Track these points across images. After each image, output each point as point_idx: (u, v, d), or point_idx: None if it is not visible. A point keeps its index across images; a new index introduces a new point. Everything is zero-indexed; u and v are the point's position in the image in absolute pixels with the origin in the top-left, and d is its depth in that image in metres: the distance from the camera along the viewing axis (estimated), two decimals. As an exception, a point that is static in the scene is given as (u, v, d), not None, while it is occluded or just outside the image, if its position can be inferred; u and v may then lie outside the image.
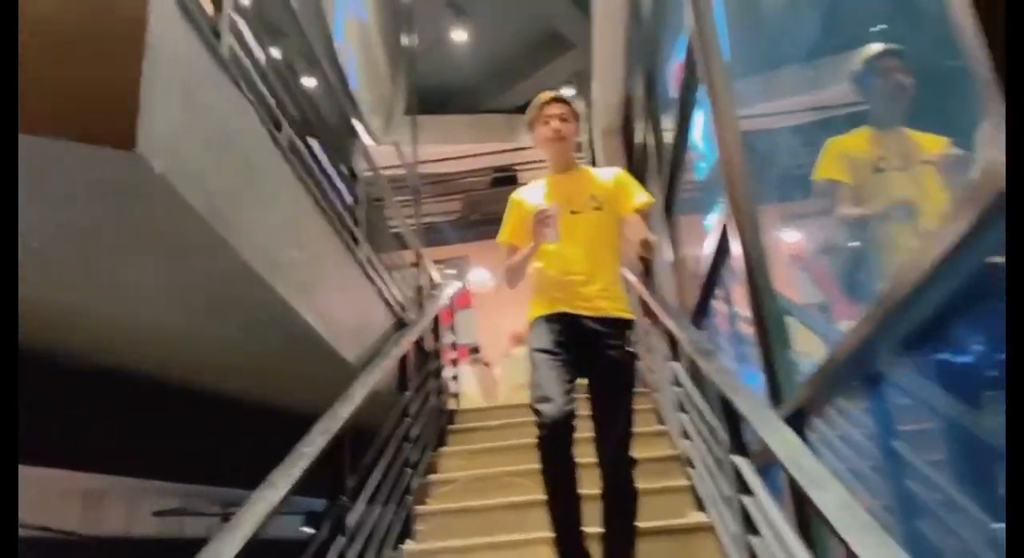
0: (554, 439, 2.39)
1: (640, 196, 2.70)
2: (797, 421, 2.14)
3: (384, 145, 5.14)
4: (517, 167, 9.28)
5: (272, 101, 2.63)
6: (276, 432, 4.19)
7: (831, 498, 1.35)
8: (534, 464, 3.39)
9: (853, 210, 2.37)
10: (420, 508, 3.35)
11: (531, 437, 3.79)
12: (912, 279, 1.38)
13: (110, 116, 1.49)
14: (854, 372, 1.92)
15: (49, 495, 5.68)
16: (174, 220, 1.80)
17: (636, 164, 6.12)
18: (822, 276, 3.20)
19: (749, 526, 2.05)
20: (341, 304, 3.21)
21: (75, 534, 6.63)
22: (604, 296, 2.57)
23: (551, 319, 2.56)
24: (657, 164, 5.17)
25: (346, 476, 2.41)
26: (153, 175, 1.56)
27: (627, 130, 6.88)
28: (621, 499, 2.49)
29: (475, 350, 7.08)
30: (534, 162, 9.40)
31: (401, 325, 4.08)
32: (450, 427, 4.43)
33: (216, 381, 3.37)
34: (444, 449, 4.09)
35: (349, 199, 3.64)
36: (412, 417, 3.46)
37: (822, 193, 2.46)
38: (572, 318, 2.54)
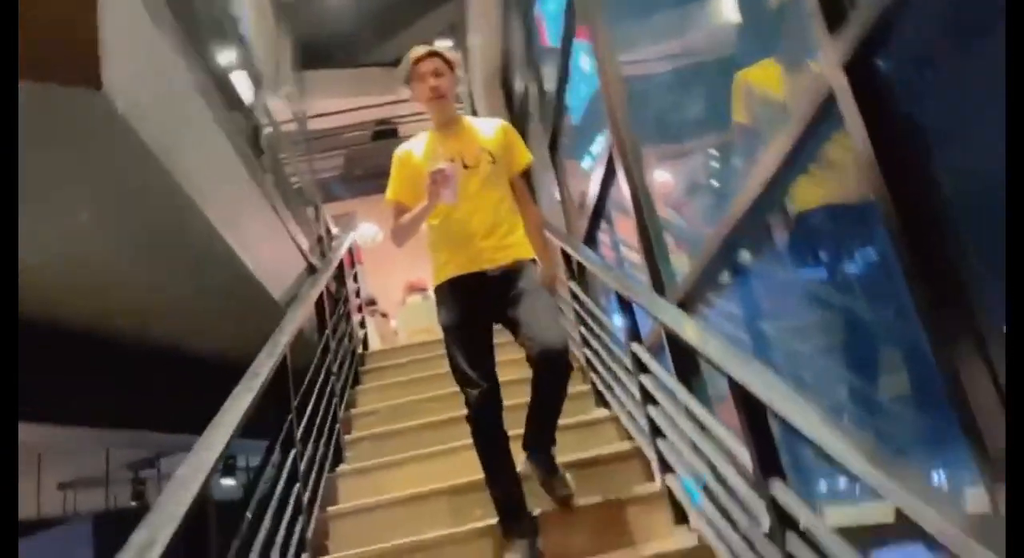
0: (482, 416, 2.45)
1: (524, 156, 2.73)
2: (686, 307, 2.57)
3: (275, 100, 5.16)
4: (397, 120, 9.35)
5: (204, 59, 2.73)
6: (201, 378, 4.32)
7: (714, 345, 1.74)
8: (443, 390, 3.75)
9: None
10: (346, 437, 3.60)
11: (437, 369, 4.13)
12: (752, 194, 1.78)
13: (77, 59, 1.61)
14: (717, 267, 2.36)
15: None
16: (128, 157, 1.94)
17: (518, 113, 6.41)
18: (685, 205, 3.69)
19: (648, 398, 2.47)
20: (264, 244, 3.38)
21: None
22: (505, 245, 2.56)
23: (456, 285, 2.54)
24: (540, 111, 5.50)
25: (292, 398, 2.62)
26: (115, 114, 1.70)
27: (506, 79, 7.14)
28: (555, 377, 2.41)
29: (372, 302, 7.25)
30: (415, 114, 9.51)
31: (312, 270, 4.26)
32: (361, 368, 4.66)
33: (145, 327, 3.45)
34: (359, 387, 4.33)
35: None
36: (333, 352, 3.69)
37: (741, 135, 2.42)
38: (476, 277, 2.52)
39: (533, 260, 2.60)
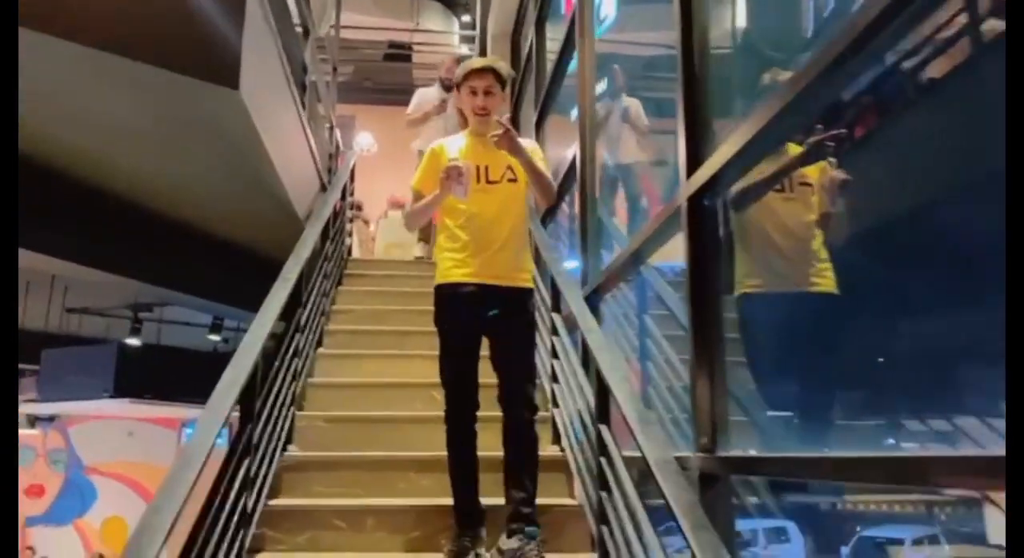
0: (459, 419, 2.69)
1: (546, 169, 2.87)
2: (594, 296, 3.53)
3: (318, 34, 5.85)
4: (413, 46, 9.97)
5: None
6: (212, 256, 5.31)
7: (594, 338, 2.72)
8: (410, 306, 4.70)
9: None
10: (328, 327, 4.56)
11: (404, 286, 5.09)
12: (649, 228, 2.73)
13: (224, 66, 2.45)
14: (625, 271, 3.32)
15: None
16: (238, 128, 2.80)
17: (520, 73, 7.06)
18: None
19: (554, 355, 3.47)
20: (294, 166, 4.25)
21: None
22: (513, 266, 2.71)
23: (459, 290, 2.67)
24: (536, 80, 6.17)
25: (302, 292, 3.57)
26: (242, 106, 2.56)
27: (516, 37, 7.76)
28: (522, 442, 2.66)
29: (358, 207, 8.08)
30: (429, 43, 10.10)
31: (323, 188, 5.12)
32: (345, 272, 5.59)
33: (188, 210, 4.38)
34: (340, 288, 5.26)
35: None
36: (329, 259, 4.62)
37: None
38: (480, 288, 2.65)
39: (532, 294, 2.80)
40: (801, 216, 2.61)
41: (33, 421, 11.79)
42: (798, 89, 1.65)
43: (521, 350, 2.73)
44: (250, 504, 2.48)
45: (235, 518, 2.30)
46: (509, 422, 2.67)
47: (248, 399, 2.46)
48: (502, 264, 2.69)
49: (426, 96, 5.95)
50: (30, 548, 7.97)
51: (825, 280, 2.54)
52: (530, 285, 2.78)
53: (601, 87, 5.95)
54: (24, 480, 12.42)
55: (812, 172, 2.59)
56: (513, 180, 2.76)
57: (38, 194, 4.04)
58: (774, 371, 2.59)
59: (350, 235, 6.15)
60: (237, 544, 2.33)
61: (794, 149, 2.56)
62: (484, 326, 2.69)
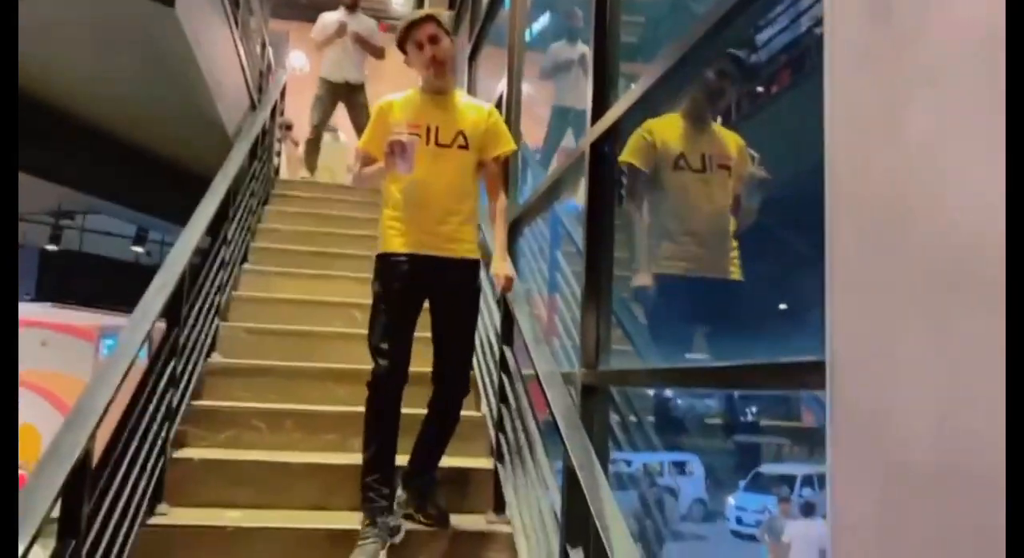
0: (386, 390, 2.48)
1: (506, 144, 2.73)
2: (514, 226, 3.78)
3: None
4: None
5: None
6: (140, 169, 5.32)
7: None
8: (335, 229, 4.86)
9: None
10: (254, 244, 4.68)
11: (330, 209, 5.23)
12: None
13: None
14: (539, 208, 3.57)
15: None
16: (172, 41, 2.85)
17: (458, 7, 7.07)
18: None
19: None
20: (227, 81, 4.28)
21: None
22: (457, 237, 2.57)
23: (400, 260, 2.53)
24: (472, 11, 6.24)
25: (229, 207, 3.69)
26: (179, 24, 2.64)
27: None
28: (445, 416, 2.62)
29: (288, 127, 8.04)
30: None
31: (253, 106, 5.14)
32: (273, 192, 5.66)
33: (127, 126, 4.39)
34: (266, 207, 5.35)
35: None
36: (257, 178, 4.70)
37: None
38: (422, 259, 2.53)
39: (477, 264, 2.66)
40: (717, 199, 2.55)
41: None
42: (688, 44, 1.88)
43: (463, 327, 2.64)
44: (175, 401, 2.68)
45: (160, 413, 2.50)
46: (437, 403, 2.62)
47: (175, 304, 2.62)
48: (445, 235, 2.56)
49: (326, 19, 5.97)
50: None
51: (735, 270, 2.54)
52: (475, 256, 2.64)
53: (543, 24, 6.08)
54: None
55: (732, 151, 2.57)
56: (464, 147, 2.61)
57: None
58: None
59: (278, 155, 6.18)
60: (162, 436, 2.54)
61: (720, 129, 2.61)
62: (423, 299, 2.59)
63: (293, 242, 4.83)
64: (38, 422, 12.06)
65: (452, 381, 2.62)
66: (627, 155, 2.54)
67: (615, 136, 2.39)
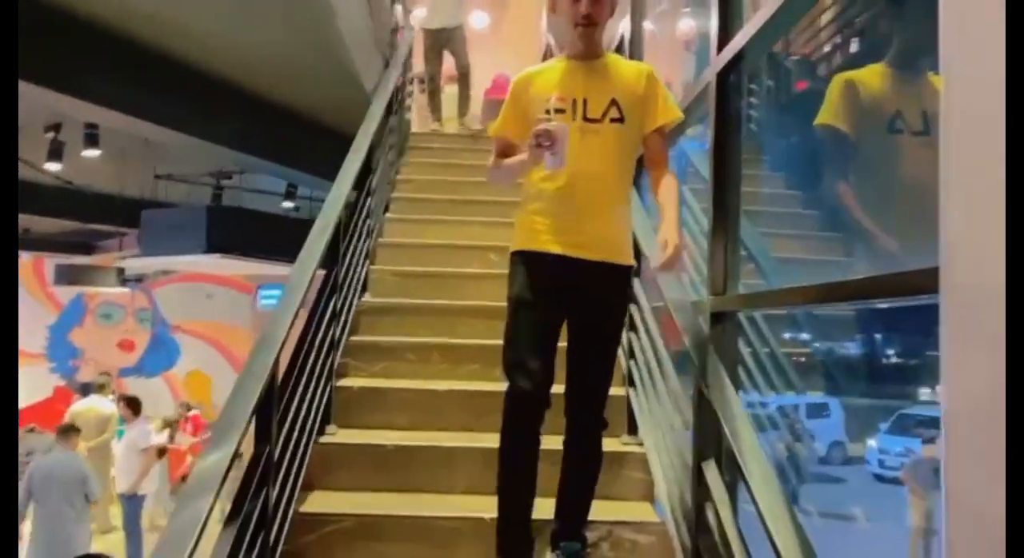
0: (523, 418, 2.09)
1: (670, 111, 2.25)
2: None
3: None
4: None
5: None
6: (288, 128, 5.79)
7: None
8: (466, 178, 5.07)
9: None
10: (393, 194, 4.98)
11: (461, 159, 5.46)
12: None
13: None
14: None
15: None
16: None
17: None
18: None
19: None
20: (362, 38, 4.54)
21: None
22: (607, 236, 2.18)
23: (537, 260, 2.17)
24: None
25: (371, 162, 3.97)
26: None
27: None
28: (585, 461, 2.23)
29: (421, 81, 8.33)
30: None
31: (386, 63, 5.40)
32: (407, 145, 5.95)
33: (268, 85, 4.80)
34: (402, 160, 5.64)
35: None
36: (393, 132, 4.98)
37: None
38: (564, 261, 2.14)
39: (631, 271, 2.29)
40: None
41: (123, 282, 12.90)
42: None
43: (605, 347, 2.23)
44: (336, 334, 2.99)
45: (326, 343, 2.81)
46: (574, 443, 2.23)
47: (334, 247, 2.91)
48: (600, 233, 2.16)
49: None
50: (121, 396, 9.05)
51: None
52: (630, 262, 2.25)
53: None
54: (116, 335, 13.74)
55: None
56: (618, 119, 2.17)
57: (129, 62, 4.49)
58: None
59: (409, 109, 6.45)
60: (328, 365, 2.86)
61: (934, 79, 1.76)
62: (566, 309, 2.19)
63: (428, 191, 5.10)
64: (208, 368, 13.48)
65: (587, 414, 2.20)
66: (827, 116, 2.19)
67: (742, 64, 2.39)
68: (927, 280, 1.01)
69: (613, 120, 2.17)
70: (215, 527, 1.61)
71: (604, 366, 2.22)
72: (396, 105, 5.28)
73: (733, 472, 2.03)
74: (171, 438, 9.24)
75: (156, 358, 13.87)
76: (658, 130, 2.25)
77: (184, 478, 9.05)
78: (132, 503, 7.39)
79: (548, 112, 2.16)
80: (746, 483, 1.71)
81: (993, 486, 0.85)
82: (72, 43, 4.67)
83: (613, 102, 2.18)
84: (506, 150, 2.32)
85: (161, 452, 8.45)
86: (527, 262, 2.20)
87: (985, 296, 0.86)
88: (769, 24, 2.15)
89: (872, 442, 11.55)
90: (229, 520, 1.74)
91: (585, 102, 2.17)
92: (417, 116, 7.94)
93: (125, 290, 13.22)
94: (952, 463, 0.95)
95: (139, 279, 13.13)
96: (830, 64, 4.71)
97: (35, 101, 5.56)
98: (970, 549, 0.91)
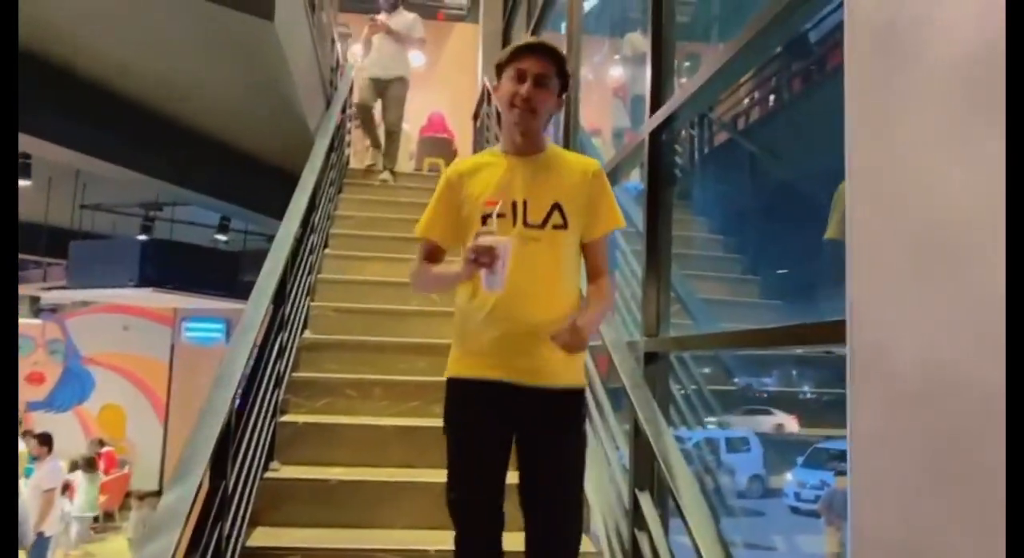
0: (475, 550, 1.91)
1: (613, 217, 1.99)
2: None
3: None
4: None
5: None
6: (224, 162, 5.80)
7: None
8: (405, 215, 5.19)
9: None
10: (332, 230, 5.05)
11: (402, 197, 5.58)
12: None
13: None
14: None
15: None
16: (268, 54, 3.18)
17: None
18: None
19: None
20: (308, 80, 4.65)
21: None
22: (549, 358, 1.86)
23: (476, 389, 1.90)
24: None
25: (315, 198, 4.05)
26: (276, 36, 2.97)
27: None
28: None
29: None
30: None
31: (327, 102, 5.50)
32: (344, 181, 6.03)
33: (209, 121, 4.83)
34: (340, 195, 5.71)
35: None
36: (333, 168, 5.07)
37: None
38: (506, 389, 1.87)
39: (582, 392, 1.97)
40: None
41: (36, 312, 12.34)
42: (743, 42, 2.10)
43: (566, 480, 1.89)
44: (282, 370, 3.04)
45: (272, 380, 2.86)
46: None
47: (282, 286, 2.98)
48: (543, 355, 1.85)
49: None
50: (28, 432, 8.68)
51: None
52: (582, 383, 1.96)
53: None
54: (24, 368, 13.07)
55: None
56: (561, 226, 1.89)
57: (70, 95, 4.45)
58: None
59: (348, 146, 6.54)
60: (274, 401, 2.91)
61: None
62: (513, 427, 1.91)
63: (367, 228, 5.18)
64: (123, 402, 12.95)
65: (553, 545, 1.88)
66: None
67: (672, 125, 2.62)
68: (837, 332, 1.19)
69: (556, 227, 1.89)
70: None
71: (567, 492, 1.89)
72: (337, 142, 5.37)
73: (665, 503, 2.19)
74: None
75: (68, 391, 13.25)
76: (602, 237, 2.00)
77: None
78: (39, 546, 7.04)
79: (488, 218, 1.85)
80: (680, 513, 1.86)
81: (889, 513, 1.02)
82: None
83: (556, 206, 1.90)
84: (432, 253, 2.04)
85: (64, 488, 8.12)
86: (460, 390, 1.94)
87: (881, 348, 1.04)
88: (696, 93, 2.39)
89: (789, 476, 12.04)
90: (187, 555, 1.78)
91: (525, 205, 1.90)
92: (353, 152, 8.05)
93: (36, 321, 12.64)
94: (855, 493, 1.13)
95: (53, 309, 12.59)
96: (747, 119, 5.08)
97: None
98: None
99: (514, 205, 1.91)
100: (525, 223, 1.89)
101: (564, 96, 1.99)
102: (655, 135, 2.65)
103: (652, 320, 2.61)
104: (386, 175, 6.12)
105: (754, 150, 4.70)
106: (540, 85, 1.88)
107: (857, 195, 1.15)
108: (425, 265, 2.04)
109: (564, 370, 1.91)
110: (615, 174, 3.41)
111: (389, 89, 6.12)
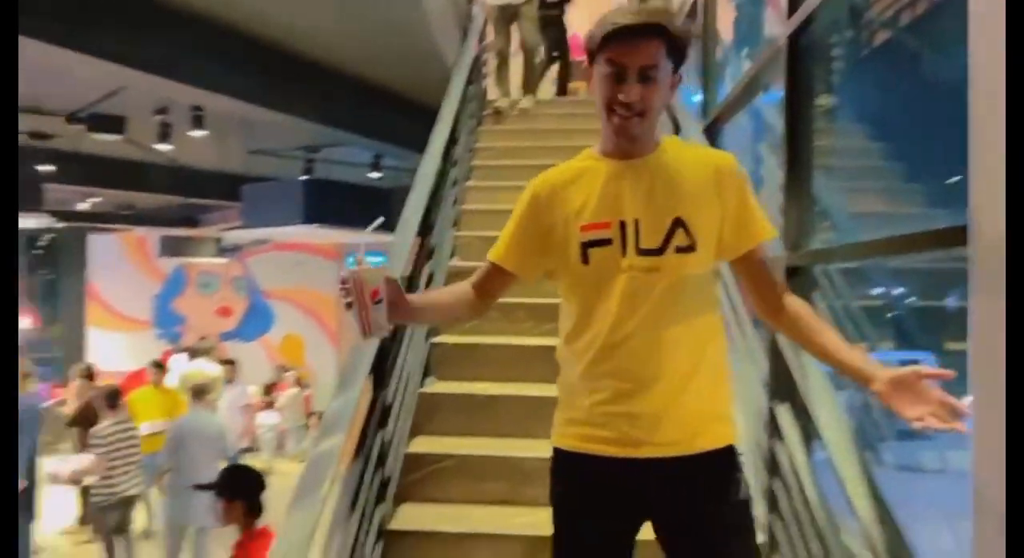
0: None
1: (761, 227, 1.50)
2: (713, 125, 3.92)
3: None
4: None
5: None
6: (372, 102, 6.09)
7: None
8: (545, 143, 5.23)
9: None
10: (473, 162, 5.19)
11: (540, 124, 5.60)
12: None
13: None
14: (739, 103, 3.67)
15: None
16: None
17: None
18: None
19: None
20: (444, 14, 4.76)
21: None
22: (684, 416, 1.45)
23: (587, 467, 1.49)
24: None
25: (455, 131, 4.18)
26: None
27: None
28: None
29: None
30: None
31: (464, 34, 5.59)
32: (482, 113, 6.13)
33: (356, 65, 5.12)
34: (480, 128, 5.82)
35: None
36: (471, 101, 5.18)
37: None
38: (627, 466, 1.45)
39: (732, 451, 1.50)
40: None
41: (220, 252, 13.72)
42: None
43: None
44: (431, 295, 3.25)
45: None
46: None
47: (427, 218, 3.15)
48: (673, 416, 1.44)
49: None
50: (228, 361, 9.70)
51: None
52: (727, 440, 1.49)
53: None
54: (214, 303, 14.59)
55: None
56: (688, 248, 1.44)
57: (235, 51, 4.86)
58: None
59: (484, 78, 6.60)
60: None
61: None
62: (638, 527, 1.52)
63: (507, 157, 5.28)
64: (302, 332, 14.18)
65: None
66: None
67: (812, 26, 2.47)
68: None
69: (680, 250, 1.44)
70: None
71: None
72: (474, 75, 5.46)
73: (804, 419, 2.18)
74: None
75: (253, 323, 14.67)
76: (752, 252, 1.51)
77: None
78: (235, 458, 8.02)
79: (585, 247, 1.47)
80: (816, 426, 1.86)
81: None
82: (177, 34, 5.17)
83: (678, 222, 1.45)
84: (491, 279, 1.65)
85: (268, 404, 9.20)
86: (565, 468, 1.54)
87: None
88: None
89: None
90: (355, 455, 2.02)
91: (637, 226, 1.46)
92: (491, 86, 8.12)
93: (222, 260, 14.03)
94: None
95: (235, 249, 13.90)
96: (913, 12, 4.62)
97: (144, 88, 6.08)
98: None
99: (622, 227, 1.46)
100: (639, 250, 1.45)
101: (680, 74, 1.48)
102: (794, 39, 2.51)
103: (793, 233, 2.54)
104: (526, 102, 6.11)
105: (919, 47, 4.30)
106: (647, 80, 1.41)
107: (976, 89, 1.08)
108: (480, 290, 1.66)
109: (703, 428, 1.46)
110: (753, 85, 3.27)
111: (520, 15, 6.03)
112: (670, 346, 1.44)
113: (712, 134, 3.81)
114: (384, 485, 2.32)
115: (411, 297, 1.60)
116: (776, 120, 3.74)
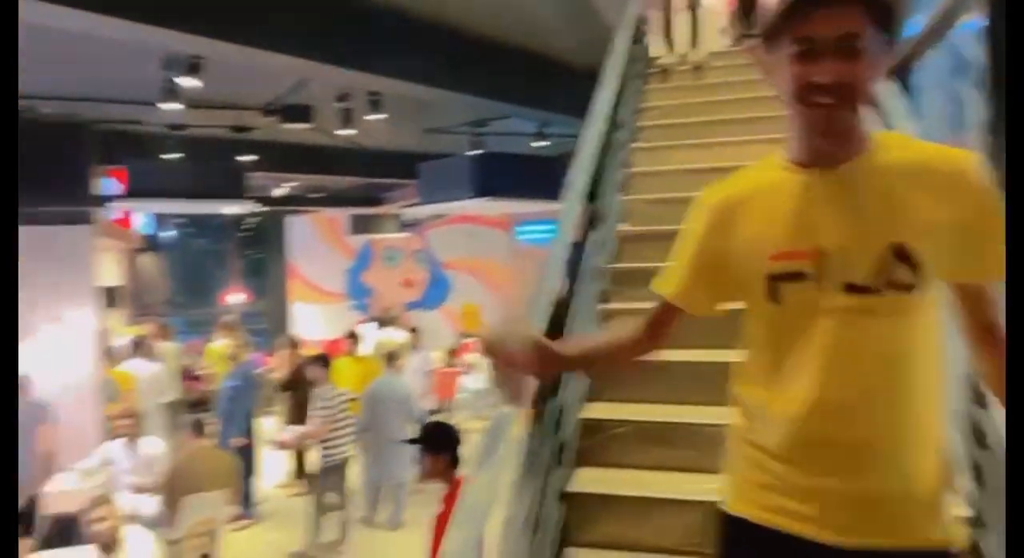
0: None
1: (993, 260, 1.12)
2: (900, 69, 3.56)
3: None
4: None
5: None
6: (539, 71, 6.18)
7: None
8: (713, 97, 4.99)
9: None
10: (640, 123, 5.09)
11: (708, 78, 5.36)
12: None
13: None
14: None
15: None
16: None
17: None
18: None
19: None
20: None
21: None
22: (889, 501, 1.17)
23: (767, 542, 1.22)
24: None
25: (620, 93, 4.12)
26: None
27: None
28: None
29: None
30: None
31: None
32: (648, 71, 5.97)
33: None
34: (646, 86, 5.68)
35: None
36: (637, 61, 5.07)
37: None
38: (820, 552, 1.17)
39: (947, 555, 1.19)
40: None
41: (401, 227, 14.65)
42: None
43: None
44: (601, 262, 3.26)
45: (589, 273, 3.09)
46: None
47: (594, 183, 3.15)
48: (880, 495, 1.17)
49: None
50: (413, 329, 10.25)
51: None
52: (946, 540, 1.19)
53: None
54: (399, 275, 15.52)
55: None
56: (906, 287, 1.14)
57: (405, 37, 5.10)
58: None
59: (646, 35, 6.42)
60: (596, 291, 3.14)
61: None
62: None
63: (674, 116, 5.13)
64: (476, 299, 14.76)
65: None
66: None
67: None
68: None
69: (899, 287, 1.14)
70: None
71: None
72: (638, 34, 5.34)
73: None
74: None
75: (434, 293, 15.47)
76: (979, 286, 1.19)
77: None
78: (421, 417, 8.54)
79: (779, 283, 1.19)
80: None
81: None
82: (357, 27, 5.54)
83: (897, 250, 1.13)
84: (665, 317, 1.47)
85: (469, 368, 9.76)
86: (746, 539, 1.27)
87: None
88: None
89: None
90: (535, 420, 2.08)
91: (842, 256, 1.16)
92: (656, 42, 7.87)
93: (404, 235, 14.91)
94: None
95: (415, 224, 14.71)
96: None
97: (327, 77, 6.57)
98: None
99: (821, 257, 1.17)
100: (845, 286, 1.15)
101: (894, 33, 1.14)
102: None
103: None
104: (696, 55, 5.87)
105: None
106: (848, 56, 1.10)
107: None
108: (649, 334, 1.48)
109: (922, 518, 1.17)
110: (949, 19, 2.93)
111: None
112: (890, 410, 1.15)
113: (902, 75, 3.46)
114: (560, 449, 2.39)
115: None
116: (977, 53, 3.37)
